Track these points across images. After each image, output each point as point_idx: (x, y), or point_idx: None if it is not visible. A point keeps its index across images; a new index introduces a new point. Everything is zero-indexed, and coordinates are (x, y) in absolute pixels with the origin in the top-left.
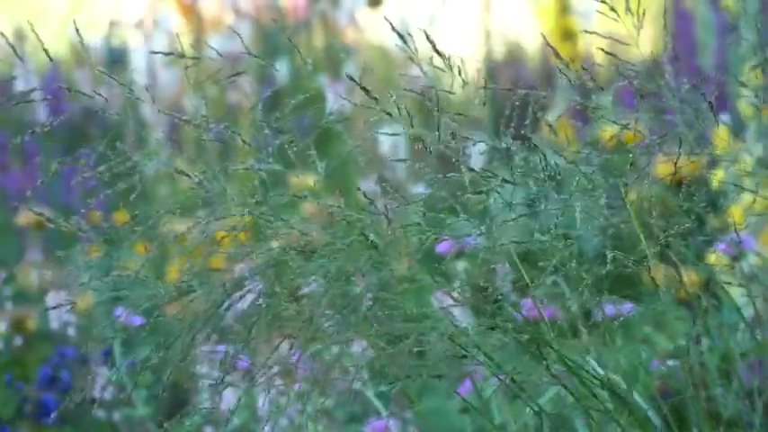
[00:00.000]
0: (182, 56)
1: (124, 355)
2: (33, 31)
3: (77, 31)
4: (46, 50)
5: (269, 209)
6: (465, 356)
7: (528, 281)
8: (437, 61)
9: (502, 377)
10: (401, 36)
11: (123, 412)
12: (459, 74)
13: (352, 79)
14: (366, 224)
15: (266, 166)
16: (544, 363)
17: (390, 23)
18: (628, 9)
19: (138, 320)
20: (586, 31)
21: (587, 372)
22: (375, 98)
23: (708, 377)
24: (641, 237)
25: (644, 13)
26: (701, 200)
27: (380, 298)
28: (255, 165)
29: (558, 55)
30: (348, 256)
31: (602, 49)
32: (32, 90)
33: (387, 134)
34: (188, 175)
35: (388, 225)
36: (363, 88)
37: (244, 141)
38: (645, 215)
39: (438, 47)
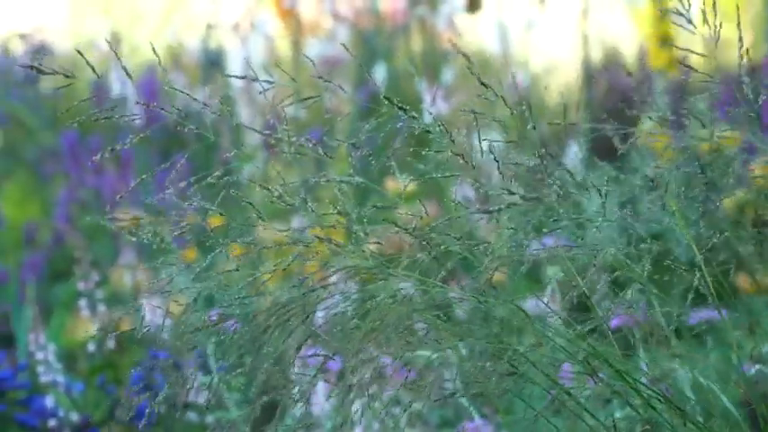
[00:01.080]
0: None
1: (217, 358)
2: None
3: (174, 33)
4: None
5: (363, 215)
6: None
7: (623, 284)
8: (534, 66)
9: (596, 381)
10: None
11: (216, 415)
12: (564, 76)
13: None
14: (463, 229)
15: (354, 179)
16: (625, 376)
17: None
18: (713, 16)
19: (233, 324)
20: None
21: (671, 381)
22: (490, 92)
23: None
24: (735, 242)
25: (738, 20)
26: None
27: (475, 303)
28: (337, 178)
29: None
30: (443, 260)
31: (702, 53)
32: (123, 99)
33: (488, 140)
34: (267, 189)
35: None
36: (483, 83)
37: (326, 154)
38: (741, 221)
39: (534, 52)
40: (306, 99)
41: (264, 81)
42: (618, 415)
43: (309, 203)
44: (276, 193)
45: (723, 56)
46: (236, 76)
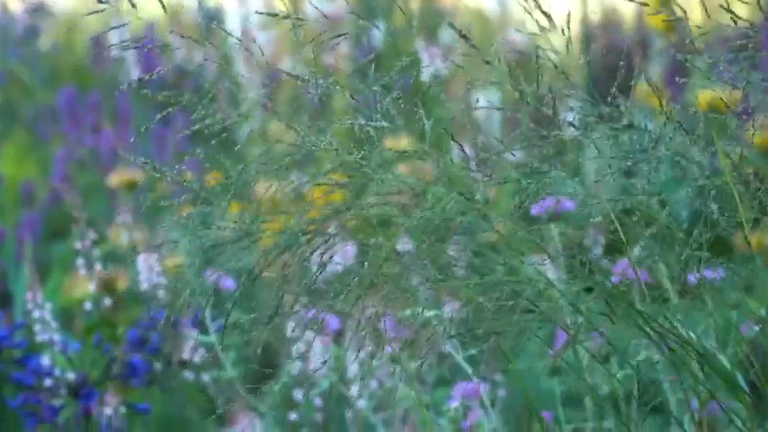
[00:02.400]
0: (286, 17)
1: (214, 316)
2: None
3: None
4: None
5: (369, 166)
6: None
7: (623, 241)
8: (533, 25)
9: (597, 337)
10: None
11: (212, 374)
12: (563, 32)
13: (461, 35)
14: (466, 182)
15: (374, 123)
16: (639, 325)
17: None
18: None
19: (229, 282)
20: None
21: (676, 335)
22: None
23: None
24: (736, 200)
25: None
26: None
27: (475, 259)
28: (362, 121)
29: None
30: (445, 213)
31: (706, 10)
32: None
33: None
34: (295, 129)
35: (487, 181)
36: (471, 44)
37: (352, 97)
38: (740, 179)
39: (540, 6)
40: (338, 36)
41: (296, 19)
42: (619, 375)
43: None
44: (299, 137)
45: (723, 15)
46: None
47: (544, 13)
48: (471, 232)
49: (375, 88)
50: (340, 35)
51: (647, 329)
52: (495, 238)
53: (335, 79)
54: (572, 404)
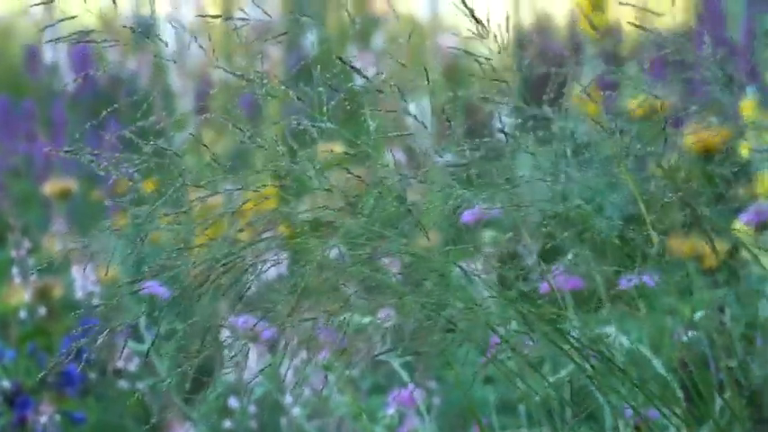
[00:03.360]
0: (229, 18)
1: (149, 325)
2: None
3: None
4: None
5: (304, 170)
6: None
7: (556, 248)
8: (467, 30)
9: (520, 350)
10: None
11: (147, 382)
12: (496, 39)
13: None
14: (397, 190)
15: (318, 124)
16: (563, 335)
17: None
18: None
19: (163, 291)
20: (620, 3)
21: (606, 344)
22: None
23: (732, 346)
24: (668, 206)
25: None
26: (728, 170)
27: (407, 268)
28: (306, 122)
29: (591, 25)
30: (379, 219)
31: (632, 23)
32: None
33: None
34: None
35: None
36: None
37: (299, 98)
38: (672, 184)
39: (466, 16)
40: (279, 35)
41: (241, 19)
42: (550, 379)
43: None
44: (244, 137)
45: (652, 22)
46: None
47: (476, 19)
48: (404, 239)
49: (320, 89)
50: (280, 35)
51: (567, 347)
52: (428, 244)
53: (273, 84)
54: (506, 411)
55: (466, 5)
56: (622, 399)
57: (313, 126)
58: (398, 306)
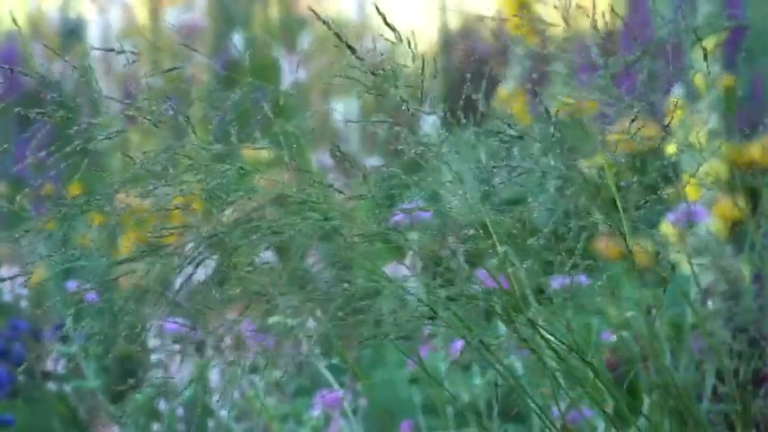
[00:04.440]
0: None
1: (76, 327)
2: None
3: (34, 2)
4: None
5: (222, 181)
6: (432, 318)
7: (484, 249)
8: (391, 34)
9: (467, 342)
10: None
11: (74, 384)
12: (410, 46)
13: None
14: (320, 197)
15: (216, 146)
16: (513, 328)
17: None
18: None
19: (91, 294)
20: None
21: (534, 345)
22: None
23: (659, 347)
24: (594, 208)
25: None
26: (654, 171)
27: (334, 270)
28: (201, 145)
29: (517, 27)
30: (302, 228)
31: (559, 23)
32: None
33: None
34: (129, 157)
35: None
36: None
37: (215, 107)
38: (598, 186)
39: (390, 19)
40: (168, 70)
41: (127, 51)
42: (477, 382)
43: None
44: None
45: (581, 22)
46: (99, 49)
47: (389, 25)
48: (331, 243)
49: (234, 98)
50: (172, 69)
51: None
52: (355, 248)
53: (196, 90)
54: (433, 412)
55: (379, 10)
56: (550, 399)
57: (210, 149)
58: (325, 308)
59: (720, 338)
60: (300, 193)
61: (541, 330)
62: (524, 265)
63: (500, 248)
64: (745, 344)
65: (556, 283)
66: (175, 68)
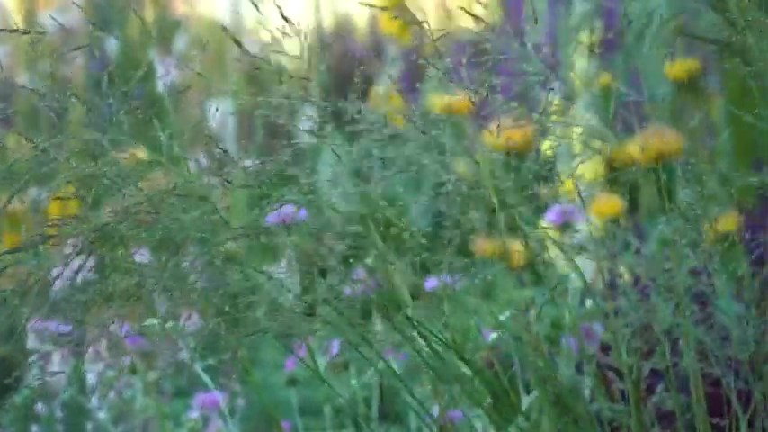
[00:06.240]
0: (26, 32)
1: None
2: None
3: None
4: None
5: (106, 177)
6: (310, 315)
7: (361, 248)
8: (268, 33)
9: (345, 341)
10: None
11: None
12: (299, 38)
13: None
14: (202, 191)
15: (106, 137)
16: (392, 327)
17: None
18: None
19: None
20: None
21: (411, 345)
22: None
23: (538, 346)
24: (471, 206)
25: None
26: (532, 169)
27: (211, 271)
28: (93, 137)
29: (393, 26)
30: (180, 227)
31: (426, 24)
32: None
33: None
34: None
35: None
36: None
37: (89, 109)
38: (475, 184)
39: (265, 20)
40: (75, 48)
41: (37, 33)
42: (354, 382)
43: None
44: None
45: (455, 21)
46: None
47: (286, 18)
48: (208, 243)
49: (110, 101)
50: (77, 48)
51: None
52: (232, 248)
53: (73, 92)
54: (311, 413)
55: (258, 10)
56: (428, 399)
57: (102, 140)
58: (202, 310)
59: (620, 336)
60: (178, 190)
61: (420, 329)
62: (402, 265)
63: (378, 247)
64: (638, 342)
65: (432, 282)
66: (51, 70)
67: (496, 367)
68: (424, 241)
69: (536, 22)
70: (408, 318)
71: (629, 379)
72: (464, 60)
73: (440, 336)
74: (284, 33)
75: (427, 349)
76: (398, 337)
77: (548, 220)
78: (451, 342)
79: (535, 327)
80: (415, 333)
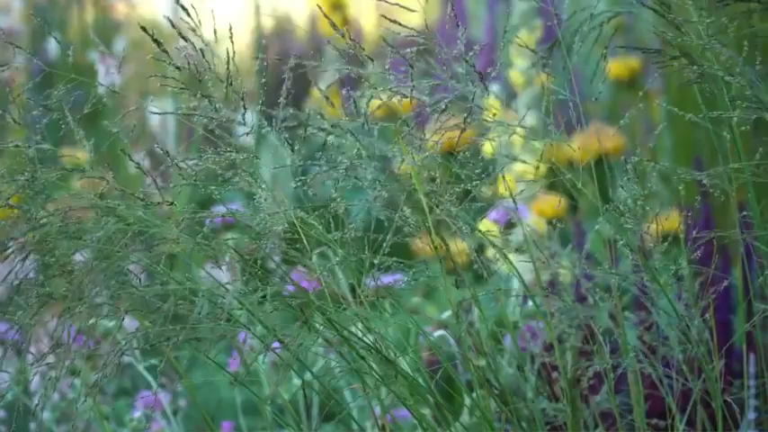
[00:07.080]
0: None
1: None
2: None
3: None
4: None
5: (39, 184)
6: (230, 320)
7: (301, 249)
8: (206, 35)
9: (274, 346)
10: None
11: None
12: (231, 39)
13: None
14: (141, 192)
15: (37, 145)
16: (315, 329)
17: None
18: None
19: None
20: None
21: (358, 339)
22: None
23: (480, 345)
24: (411, 207)
25: None
26: (472, 169)
27: (151, 271)
28: (26, 143)
29: (333, 25)
30: (118, 231)
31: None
32: None
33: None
34: None
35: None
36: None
37: (15, 120)
38: (416, 185)
39: (204, 21)
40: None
41: None
42: (295, 381)
43: None
44: None
45: (397, 21)
46: None
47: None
48: (148, 243)
49: (46, 103)
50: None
51: (332, 334)
52: (172, 248)
53: (5, 96)
54: (253, 413)
55: (187, 12)
56: (370, 398)
57: (29, 148)
58: (144, 310)
59: (564, 337)
60: (118, 192)
61: (359, 329)
62: (341, 265)
63: (315, 248)
64: (576, 341)
65: (371, 282)
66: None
67: (438, 366)
68: (361, 241)
69: (473, 22)
70: (348, 317)
71: (565, 378)
72: (404, 60)
73: (380, 335)
74: (215, 39)
75: (368, 349)
76: (336, 336)
77: (490, 220)
78: (392, 342)
79: (478, 326)
80: (353, 333)
